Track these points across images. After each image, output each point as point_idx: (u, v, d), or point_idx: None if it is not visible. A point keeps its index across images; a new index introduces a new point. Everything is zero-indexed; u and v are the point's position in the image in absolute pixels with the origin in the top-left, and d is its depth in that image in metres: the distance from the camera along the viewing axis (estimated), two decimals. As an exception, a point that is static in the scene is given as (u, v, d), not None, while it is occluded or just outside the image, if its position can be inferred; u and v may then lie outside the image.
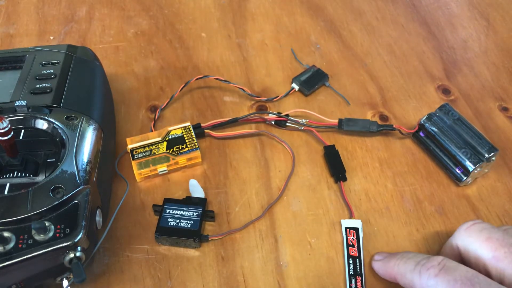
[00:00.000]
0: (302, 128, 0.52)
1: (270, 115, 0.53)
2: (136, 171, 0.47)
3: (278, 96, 0.55)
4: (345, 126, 0.51)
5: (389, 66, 0.60)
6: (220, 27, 0.64)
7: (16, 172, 0.39)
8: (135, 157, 0.47)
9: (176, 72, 0.58)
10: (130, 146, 0.48)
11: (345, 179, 0.48)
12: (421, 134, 0.50)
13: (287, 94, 0.56)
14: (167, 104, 0.54)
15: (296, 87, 0.56)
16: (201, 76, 0.55)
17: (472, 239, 0.36)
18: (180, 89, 0.54)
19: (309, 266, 0.42)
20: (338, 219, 0.45)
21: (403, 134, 0.51)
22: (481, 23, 0.66)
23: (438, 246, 0.44)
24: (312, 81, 0.56)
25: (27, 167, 0.39)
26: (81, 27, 0.64)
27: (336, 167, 0.49)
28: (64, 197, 0.36)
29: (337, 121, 0.51)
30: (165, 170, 0.48)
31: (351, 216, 0.45)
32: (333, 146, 0.50)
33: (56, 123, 0.41)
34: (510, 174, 0.49)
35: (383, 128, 0.51)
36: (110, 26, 0.64)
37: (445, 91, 0.57)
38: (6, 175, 0.38)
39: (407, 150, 0.50)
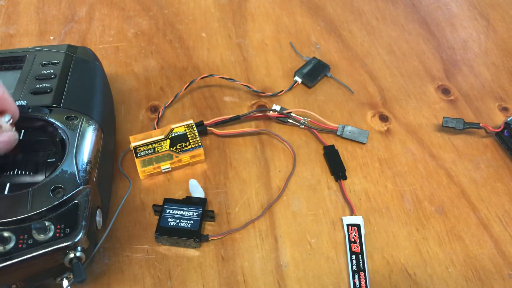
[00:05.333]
0: (303, 126, 0.52)
1: (271, 112, 0.53)
2: (139, 169, 0.47)
3: (282, 91, 0.56)
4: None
5: (389, 66, 0.60)
6: (220, 27, 0.64)
7: (16, 169, 0.39)
8: (139, 155, 0.47)
9: (176, 72, 0.58)
10: (133, 144, 0.48)
11: (345, 178, 0.48)
12: (506, 133, 0.50)
13: (291, 88, 0.56)
14: (171, 102, 0.54)
15: (299, 80, 0.57)
16: (207, 75, 0.55)
17: None
18: (185, 87, 0.54)
19: (309, 266, 0.42)
20: (338, 219, 0.45)
21: (488, 133, 0.52)
22: (481, 23, 0.66)
23: (438, 246, 0.44)
24: (315, 72, 0.57)
25: (28, 164, 0.39)
26: (81, 27, 0.64)
27: (336, 166, 0.49)
28: (64, 197, 0.36)
29: (337, 125, 0.51)
30: (169, 168, 0.48)
31: (352, 213, 0.45)
32: (332, 146, 0.50)
33: (56, 123, 0.41)
34: (510, 174, 0.49)
35: (469, 127, 0.51)
36: (110, 26, 0.64)
37: (445, 91, 0.57)
38: (7, 173, 0.38)
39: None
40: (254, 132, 0.52)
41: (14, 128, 0.37)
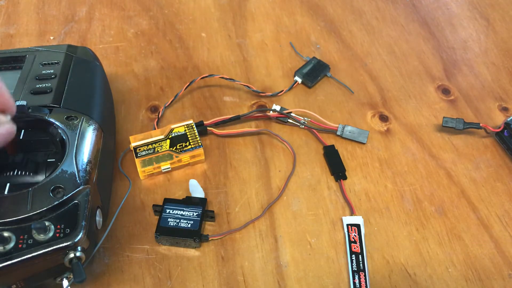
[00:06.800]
0: (303, 126, 0.52)
1: (271, 112, 0.53)
2: (139, 169, 0.47)
3: (282, 91, 0.56)
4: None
5: (389, 66, 0.60)
6: (220, 27, 0.64)
7: (17, 170, 0.39)
8: (139, 155, 0.47)
9: (176, 72, 0.58)
10: (133, 144, 0.48)
11: (345, 178, 0.48)
12: (506, 133, 0.50)
13: (291, 88, 0.56)
14: (171, 102, 0.54)
15: (299, 80, 0.57)
16: (207, 75, 0.55)
17: None
18: (185, 87, 0.54)
19: (309, 266, 0.42)
20: (338, 219, 0.45)
21: (488, 133, 0.52)
22: (481, 23, 0.66)
23: (438, 246, 0.44)
24: (315, 72, 0.57)
25: (28, 165, 0.39)
26: (81, 27, 0.64)
27: (336, 166, 0.49)
28: (64, 197, 0.36)
29: (337, 125, 0.51)
30: (169, 168, 0.48)
31: (352, 213, 0.45)
32: (332, 146, 0.50)
33: (56, 123, 0.41)
34: (510, 174, 0.49)
35: (469, 127, 0.51)
36: (110, 26, 0.64)
37: (445, 91, 0.57)
38: (7, 173, 0.38)
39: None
40: (254, 132, 0.52)
41: (12, 121, 0.36)
